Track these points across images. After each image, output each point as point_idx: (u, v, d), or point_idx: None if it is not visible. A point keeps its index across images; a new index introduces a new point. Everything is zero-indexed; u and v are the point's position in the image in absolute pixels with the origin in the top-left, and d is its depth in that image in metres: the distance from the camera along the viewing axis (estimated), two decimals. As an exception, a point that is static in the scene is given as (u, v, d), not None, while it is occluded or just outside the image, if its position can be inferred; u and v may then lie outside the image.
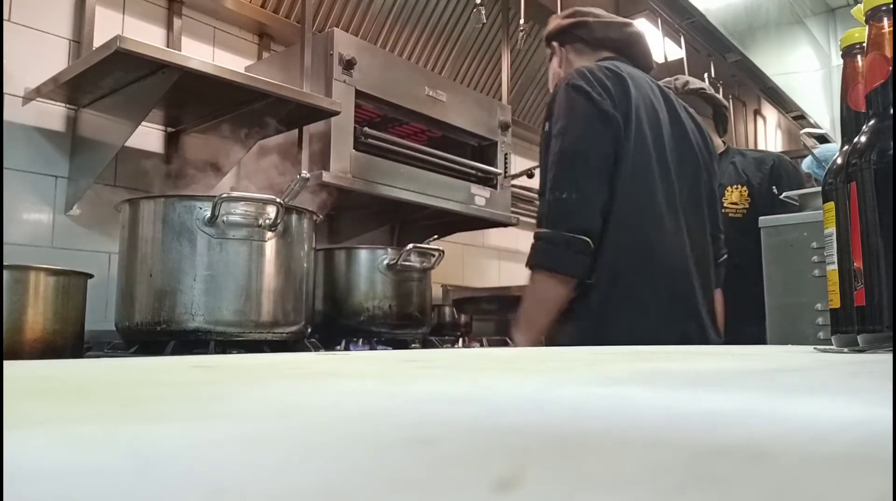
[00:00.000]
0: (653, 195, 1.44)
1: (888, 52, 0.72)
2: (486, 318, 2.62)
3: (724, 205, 1.91)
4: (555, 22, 1.65)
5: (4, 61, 1.64)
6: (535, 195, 3.09)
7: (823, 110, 4.57)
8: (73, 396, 0.27)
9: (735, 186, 1.95)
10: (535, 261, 1.39)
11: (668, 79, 2.08)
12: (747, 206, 1.91)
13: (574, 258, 1.36)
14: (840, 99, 0.79)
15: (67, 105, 1.76)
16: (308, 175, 1.46)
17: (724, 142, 2.09)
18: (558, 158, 1.38)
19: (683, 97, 1.98)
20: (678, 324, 1.40)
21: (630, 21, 1.67)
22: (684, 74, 2.83)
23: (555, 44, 1.62)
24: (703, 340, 1.41)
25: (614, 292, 1.37)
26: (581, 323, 1.39)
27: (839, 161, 0.74)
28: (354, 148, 1.89)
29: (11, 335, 1.19)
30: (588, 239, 1.36)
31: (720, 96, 2.10)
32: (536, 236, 1.40)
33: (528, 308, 1.44)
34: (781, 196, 1.38)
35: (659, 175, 1.45)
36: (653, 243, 1.42)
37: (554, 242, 1.37)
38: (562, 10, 2.53)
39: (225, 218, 1.34)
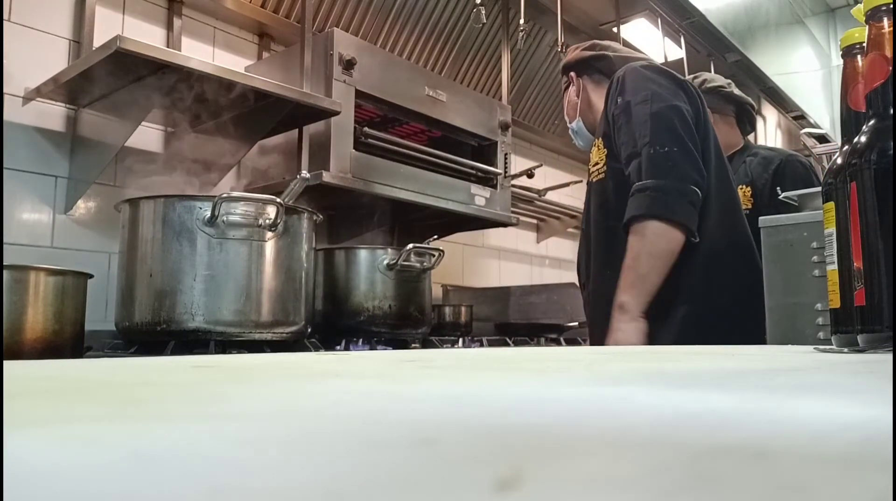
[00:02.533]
0: (727, 176, 1.43)
1: (888, 52, 0.72)
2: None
3: None
4: (574, 53, 1.65)
5: (4, 61, 1.64)
6: (535, 195, 3.11)
7: (823, 110, 4.57)
8: (73, 396, 0.27)
9: (740, 187, 1.88)
10: (646, 209, 1.29)
11: (687, 77, 2.06)
12: (749, 207, 1.85)
13: (688, 209, 1.29)
14: (840, 99, 0.79)
15: (67, 105, 1.76)
16: (308, 175, 1.46)
17: (741, 139, 2.02)
18: (654, 117, 1.34)
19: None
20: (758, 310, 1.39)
21: (647, 58, 1.68)
22: (684, 74, 2.84)
23: (572, 74, 1.63)
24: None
25: (715, 269, 1.34)
26: (689, 303, 1.31)
27: (839, 161, 0.74)
28: (354, 148, 1.89)
29: (11, 335, 1.19)
30: (699, 191, 1.30)
31: (743, 94, 2.03)
32: (641, 188, 1.31)
33: (637, 265, 1.31)
34: (781, 197, 1.37)
35: (723, 164, 1.46)
36: (740, 218, 1.41)
37: (666, 190, 1.28)
38: (562, 10, 2.54)
39: (225, 218, 1.34)
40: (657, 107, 1.35)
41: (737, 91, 2.02)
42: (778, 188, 1.54)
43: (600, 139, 1.48)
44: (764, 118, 4.00)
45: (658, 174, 1.30)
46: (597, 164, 1.48)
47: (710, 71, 3.05)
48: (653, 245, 1.30)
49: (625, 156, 1.38)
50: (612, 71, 1.55)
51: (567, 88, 1.66)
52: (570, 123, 1.66)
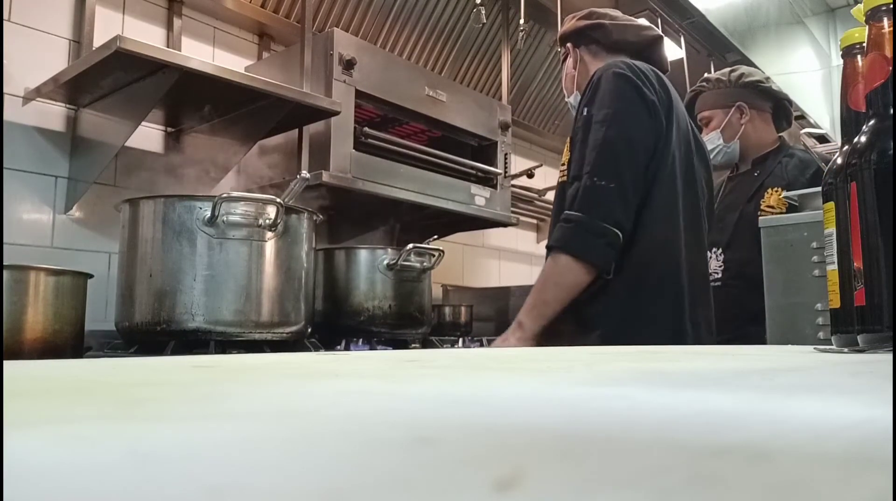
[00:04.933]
0: (676, 203, 1.42)
1: (888, 52, 0.72)
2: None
3: (762, 208, 1.81)
4: (570, 23, 1.63)
5: (4, 61, 1.64)
6: (535, 195, 3.11)
7: (823, 110, 4.57)
8: (73, 396, 0.27)
9: (776, 189, 1.84)
10: (562, 243, 1.34)
11: (724, 70, 2.01)
12: (783, 210, 1.76)
13: (603, 250, 1.32)
14: (840, 99, 0.79)
15: (67, 105, 1.76)
16: (308, 175, 1.46)
17: (779, 137, 1.97)
18: (603, 145, 1.35)
19: (739, 91, 1.93)
20: (682, 338, 1.39)
21: (648, 24, 1.65)
22: (684, 74, 2.83)
23: (569, 44, 1.61)
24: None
25: (635, 299, 1.35)
26: (603, 327, 1.34)
27: (839, 161, 0.74)
28: (354, 148, 1.89)
29: (11, 335, 1.19)
30: (620, 233, 1.33)
31: (780, 89, 1.99)
32: (567, 219, 1.35)
33: (543, 290, 1.37)
34: (781, 196, 1.37)
35: (681, 183, 1.44)
36: (675, 253, 1.41)
37: (586, 227, 1.32)
38: (562, 10, 2.54)
39: (225, 218, 1.34)
40: (613, 132, 1.35)
41: (775, 86, 1.97)
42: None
43: (570, 140, 1.48)
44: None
45: (586, 208, 1.33)
46: (564, 164, 1.48)
47: (710, 71, 3.05)
48: (560, 277, 1.35)
49: (571, 175, 1.40)
50: (610, 40, 1.53)
51: (565, 59, 1.63)
52: (567, 96, 1.64)
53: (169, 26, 2.01)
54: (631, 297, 1.35)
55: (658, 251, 1.39)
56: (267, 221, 1.38)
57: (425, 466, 0.14)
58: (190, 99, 1.72)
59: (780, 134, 2.00)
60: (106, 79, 1.57)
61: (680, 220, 1.43)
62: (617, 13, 1.63)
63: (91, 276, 1.36)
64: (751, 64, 3.39)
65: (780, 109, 1.97)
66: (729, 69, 2.00)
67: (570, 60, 1.61)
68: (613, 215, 1.33)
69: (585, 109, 1.41)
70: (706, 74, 2.05)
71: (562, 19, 2.53)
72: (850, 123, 0.76)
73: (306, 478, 0.13)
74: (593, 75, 1.45)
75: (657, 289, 1.38)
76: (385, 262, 1.78)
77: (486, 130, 2.33)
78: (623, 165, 1.34)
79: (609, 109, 1.37)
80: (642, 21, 1.67)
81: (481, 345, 2.26)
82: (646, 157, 1.37)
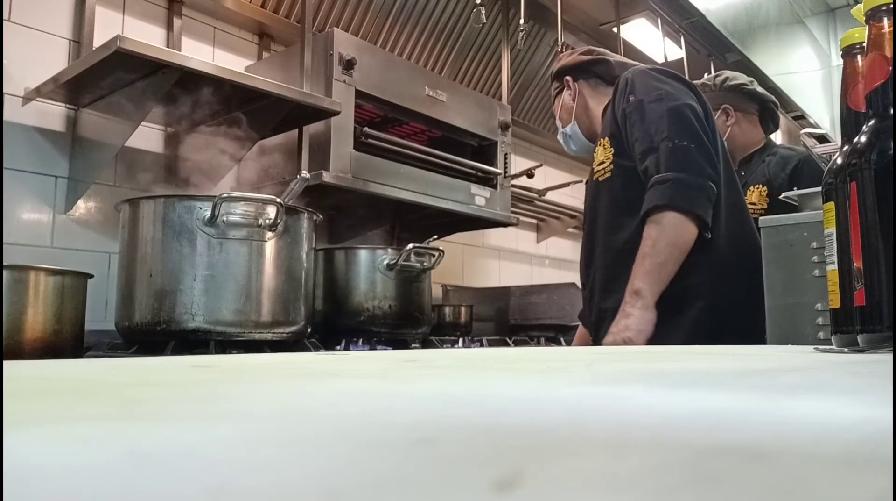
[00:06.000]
0: (736, 181, 1.46)
1: (888, 52, 0.72)
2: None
3: None
4: (571, 57, 1.66)
5: (4, 61, 1.64)
6: (535, 195, 3.11)
7: (823, 110, 4.57)
8: (73, 396, 0.27)
9: (757, 186, 1.86)
10: (667, 200, 1.31)
11: (708, 76, 2.04)
12: (765, 207, 1.80)
13: (705, 203, 1.32)
14: (840, 99, 0.79)
15: (67, 105, 1.76)
16: (308, 175, 1.46)
17: (763, 138, 1.99)
18: (669, 114, 1.36)
19: (724, 94, 1.95)
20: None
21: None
22: (684, 74, 2.83)
23: (568, 78, 1.64)
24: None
25: (723, 280, 1.36)
26: (703, 298, 1.34)
27: (839, 161, 0.74)
28: (354, 148, 1.89)
29: (11, 335, 1.19)
30: (713, 186, 1.34)
31: (766, 91, 2.02)
32: (661, 180, 1.33)
33: (656, 253, 1.32)
34: (781, 196, 1.37)
35: (730, 178, 1.48)
36: (746, 230, 1.44)
37: (685, 183, 1.31)
38: (562, 10, 2.54)
39: (225, 218, 1.34)
40: (672, 104, 1.38)
41: (760, 89, 1.99)
42: (795, 189, 1.52)
43: (607, 139, 1.50)
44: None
45: (677, 167, 1.33)
46: (602, 163, 1.49)
47: (710, 71, 3.05)
48: (671, 235, 1.32)
49: (639, 151, 1.40)
50: (612, 75, 1.57)
51: (559, 93, 1.66)
52: (563, 127, 1.67)
53: (169, 26, 2.01)
54: (720, 265, 1.36)
55: (733, 218, 1.42)
56: (267, 221, 1.38)
57: (425, 466, 0.14)
58: (190, 99, 1.72)
59: (770, 135, 2.02)
60: (106, 79, 1.57)
61: (740, 194, 1.47)
62: (612, 53, 1.69)
63: (91, 276, 1.36)
64: (750, 63, 3.40)
65: (766, 111, 1.99)
66: (714, 75, 2.03)
67: (566, 93, 1.64)
68: (704, 170, 1.34)
69: (630, 97, 1.43)
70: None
71: (562, 19, 2.53)
72: (850, 123, 0.76)
73: (306, 478, 0.13)
74: (621, 78, 1.48)
75: (743, 258, 1.40)
76: (385, 262, 1.78)
77: (486, 130, 2.33)
78: (695, 128, 1.37)
79: (659, 90, 1.40)
80: (638, 64, 1.72)
81: (481, 345, 2.26)
82: (706, 126, 1.40)
